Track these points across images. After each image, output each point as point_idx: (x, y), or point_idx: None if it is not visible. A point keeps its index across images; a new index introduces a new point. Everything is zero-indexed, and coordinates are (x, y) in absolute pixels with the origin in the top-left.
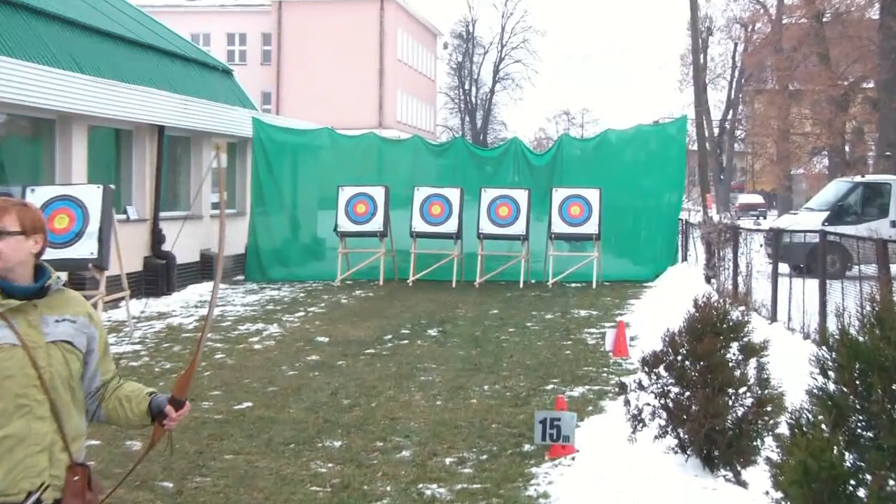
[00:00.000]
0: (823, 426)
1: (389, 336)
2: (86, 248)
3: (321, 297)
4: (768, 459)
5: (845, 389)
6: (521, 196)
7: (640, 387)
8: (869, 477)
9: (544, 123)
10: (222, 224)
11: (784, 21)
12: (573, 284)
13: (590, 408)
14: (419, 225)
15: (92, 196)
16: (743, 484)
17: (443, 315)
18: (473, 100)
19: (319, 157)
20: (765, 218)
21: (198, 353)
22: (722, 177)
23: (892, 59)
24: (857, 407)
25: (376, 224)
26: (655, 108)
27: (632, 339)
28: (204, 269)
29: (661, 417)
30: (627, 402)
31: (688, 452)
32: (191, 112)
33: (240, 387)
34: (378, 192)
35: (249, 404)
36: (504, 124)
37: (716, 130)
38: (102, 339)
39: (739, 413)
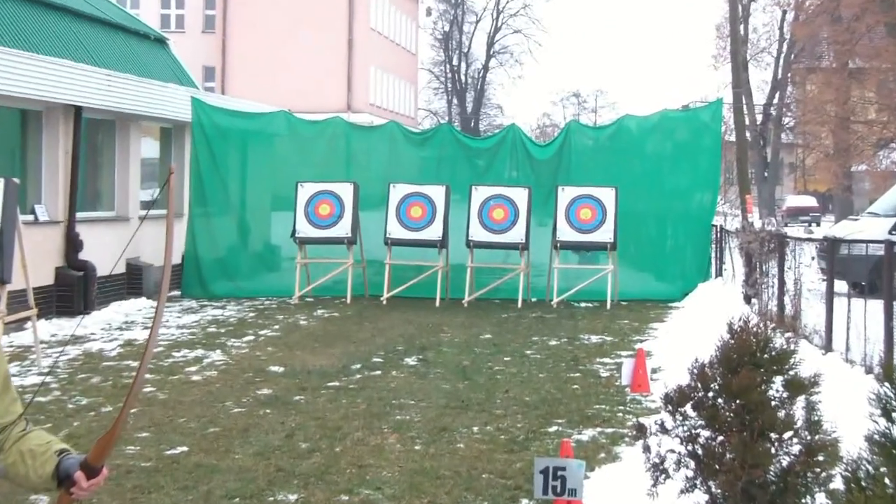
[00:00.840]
0: (887, 480)
1: (358, 365)
2: None
3: (275, 318)
4: None
5: None
6: (520, 196)
7: (663, 429)
8: None
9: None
10: (167, 259)
11: None
12: (583, 304)
13: (601, 454)
14: (396, 230)
15: None
16: None
17: (424, 340)
18: (463, 78)
19: (274, 147)
20: (818, 225)
21: (125, 408)
22: (766, 174)
23: None
24: None
25: (343, 229)
26: (685, 90)
27: (654, 371)
28: (131, 282)
29: (688, 467)
30: (647, 448)
31: None
32: (115, 90)
33: (173, 427)
34: (345, 190)
35: (185, 449)
36: (500, 108)
37: (758, 117)
38: (1, 370)
39: (784, 463)
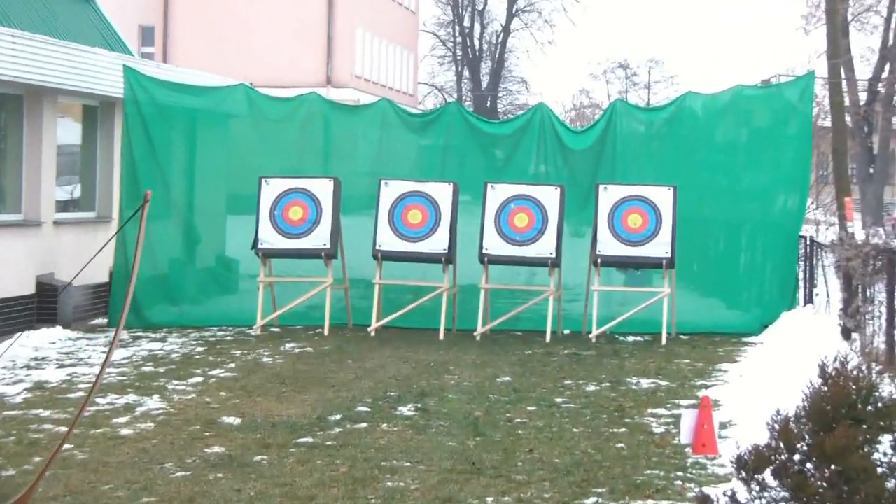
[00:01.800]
0: None
1: (338, 416)
2: None
3: (230, 354)
4: None
5: None
6: (550, 197)
7: (735, 502)
8: None
9: (587, 83)
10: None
11: None
12: (630, 338)
13: None
14: (388, 240)
15: None
16: None
17: (423, 384)
18: (477, 44)
19: (231, 132)
20: None
21: (42, 471)
22: (871, 170)
23: None
24: None
25: (320, 238)
26: (765, 61)
27: (722, 426)
28: (43, 306)
29: None
30: None
31: None
32: (22, 56)
33: (95, 497)
34: (323, 188)
35: None
36: (524, 83)
37: (862, 96)
38: None
39: None
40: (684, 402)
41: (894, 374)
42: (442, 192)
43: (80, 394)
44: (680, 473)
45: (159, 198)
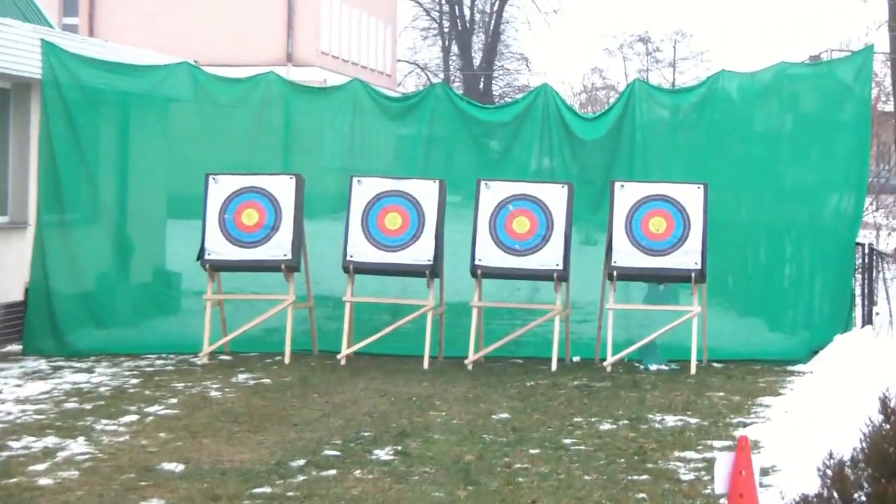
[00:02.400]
0: None
1: (301, 461)
2: None
3: (171, 387)
4: None
5: None
6: (556, 197)
7: None
8: None
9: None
10: None
11: None
12: (652, 366)
13: None
14: (361, 250)
15: None
16: None
17: (404, 422)
18: (468, 13)
19: (172, 120)
20: None
21: None
22: None
23: None
24: None
25: (279, 247)
26: (814, 33)
27: (764, 472)
28: None
29: None
30: None
31: None
32: None
33: None
34: (283, 188)
35: None
36: (524, 60)
37: None
38: None
39: None
40: (718, 444)
41: None
42: (426, 192)
43: None
44: None
45: (83, 199)
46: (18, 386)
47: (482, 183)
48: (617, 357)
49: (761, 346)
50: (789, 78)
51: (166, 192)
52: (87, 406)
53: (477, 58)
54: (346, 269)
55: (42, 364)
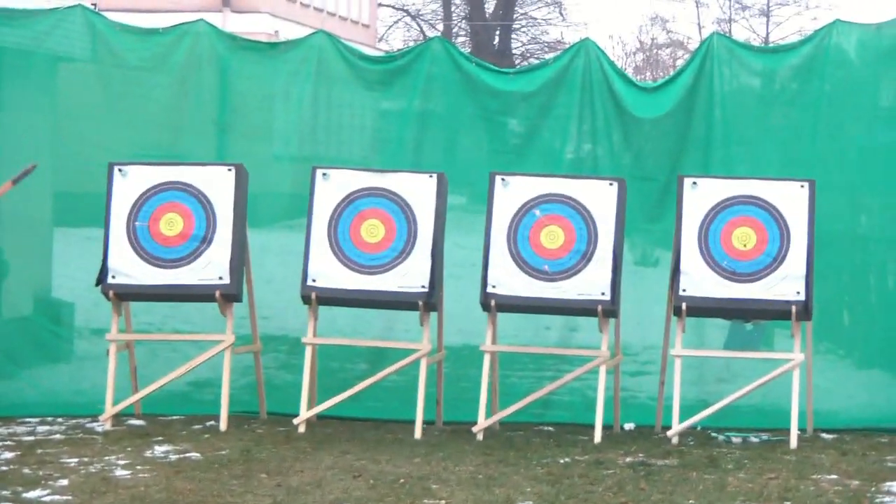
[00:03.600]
0: None
1: None
2: None
3: (60, 464)
4: None
5: None
6: (602, 198)
7: None
8: None
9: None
10: None
11: None
12: (735, 437)
13: None
14: (328, 270)
15: None
16: None
17: None
18: None
19: (61, 86)
20: None
21: None
22: None
23: None
24: None
25: (212, 267)
26: None
27: None
28: None
29: None
30: None
31: None
32: None
33: None
34: (217, 183)
35: None
36: (557, 5)
37: None
38: None
39: None
40: None
41: None
42: (418, 191)
43: None
44: None
45: None
46: None
47: (498, 178)
48: (686, 424)
49: (889, 409)
50: None
51: (52, 190)
52: None
53: (490, 3)
54: (306, 300)
55: None
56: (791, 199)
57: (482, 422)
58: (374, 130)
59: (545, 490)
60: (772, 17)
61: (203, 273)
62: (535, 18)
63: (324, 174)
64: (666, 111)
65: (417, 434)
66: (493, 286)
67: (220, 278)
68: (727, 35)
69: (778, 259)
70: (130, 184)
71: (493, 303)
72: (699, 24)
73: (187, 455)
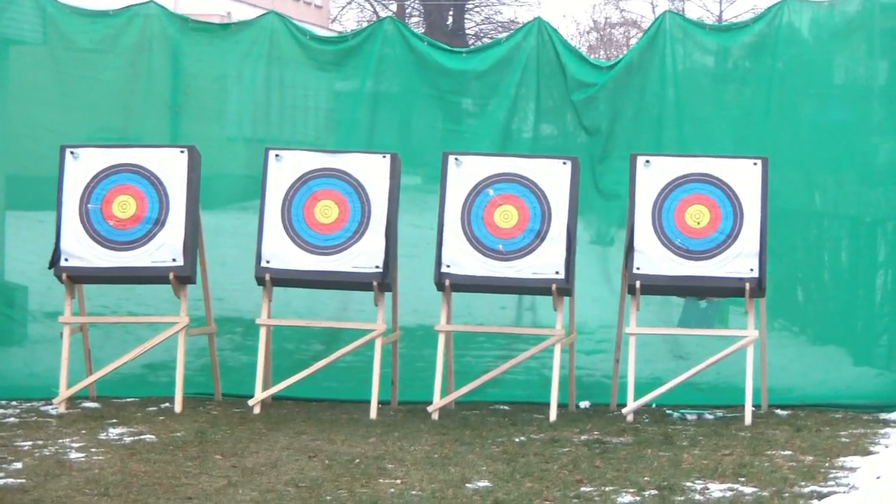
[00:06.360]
0: None
1: None
2: None
3: (14, 447)
4: None
5: None
6: (555, 177)
7: None
8: None
9: None
10: None
11: None
12: (690, 415)
13: None
14: (282, 251)
15: None
16: None
17: (343, 493)
18: None
19: (12, 69)
20: None
21: None
22: None
23: None
24: None
25: (165, 249)
26: None
27: None
28: None
29: None
30: None
31: None
32: None
33: None
34: (170, 165)
35: None
36: None
37: None
38: None
39: None
40: None
41: None
42: (372, 171)
43: None
44: None
45: None
46: None
47: (451, 158)
48: (641, 401)
49: (843, 385)
50: (884, 9)
51: (3, 173)
52: None
53: None
54: (260, 281)
55: None
56: (744, 176)
57: (437, 401)
58: (327, 111)
59: (501, 469)
60: None
61: (156, 255)
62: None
63: (277, 155)
64: (619, 90)
65: (373, 414)
66: (448, 266)
67: (174, 260)
68: (680, 13)
69: (731, 236)
70: (82, 166)
71: (447, 282)
72: (652, 3)
73: (142, 437)
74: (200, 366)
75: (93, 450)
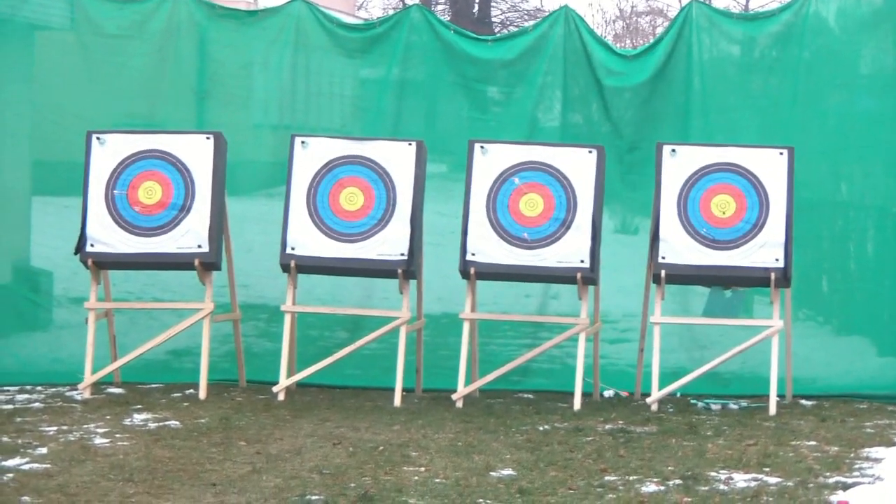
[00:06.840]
0: None
1: None
2: None
3: (39, 432)
4: None
5: None
6: (581, 166)
7: None
8: None
9: None
10: None
11: None
12: (715, 404)
13: None
14: (307, 239)
15: None
16: None
17: (367, 481)
18: None
19: (39, 55)
20: None
21: None
22: None
23: None
24: None
25: (191, 236)
26: None
27: None
28: None
29: None
30: None
31: None
32: None
33: None
34: (196, 151)
35: None
36: None
37: None
38: None
39: None
40: None
41: None
42: (397, 159)
43: None
44: None
45: None
46: None
47: (477, 146)
48: (665, 391)
49: (867, 376)
50: None
51: (30, 159)
52: None
53: None
54: (285, 268)
55: None
56: (770, 166)
57: (462, 389)
58: (353, 98)
59: (524, 457)
60: None
61: (182, 241)
62: None
63: (303, 142)
64: (645, 79)
65: (397, 402)
66: (473, 254)
67: (199, 246)
68: (706, 3)
69: (757, 226)
70: (109, 152)
71: (472, 270)
72: None
73: (166, 423)
74: (225, 352)
75: (117, 435)
